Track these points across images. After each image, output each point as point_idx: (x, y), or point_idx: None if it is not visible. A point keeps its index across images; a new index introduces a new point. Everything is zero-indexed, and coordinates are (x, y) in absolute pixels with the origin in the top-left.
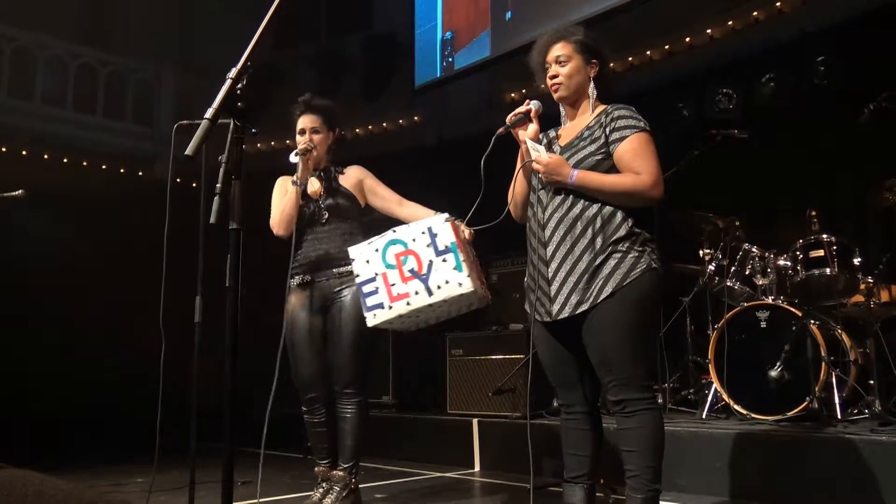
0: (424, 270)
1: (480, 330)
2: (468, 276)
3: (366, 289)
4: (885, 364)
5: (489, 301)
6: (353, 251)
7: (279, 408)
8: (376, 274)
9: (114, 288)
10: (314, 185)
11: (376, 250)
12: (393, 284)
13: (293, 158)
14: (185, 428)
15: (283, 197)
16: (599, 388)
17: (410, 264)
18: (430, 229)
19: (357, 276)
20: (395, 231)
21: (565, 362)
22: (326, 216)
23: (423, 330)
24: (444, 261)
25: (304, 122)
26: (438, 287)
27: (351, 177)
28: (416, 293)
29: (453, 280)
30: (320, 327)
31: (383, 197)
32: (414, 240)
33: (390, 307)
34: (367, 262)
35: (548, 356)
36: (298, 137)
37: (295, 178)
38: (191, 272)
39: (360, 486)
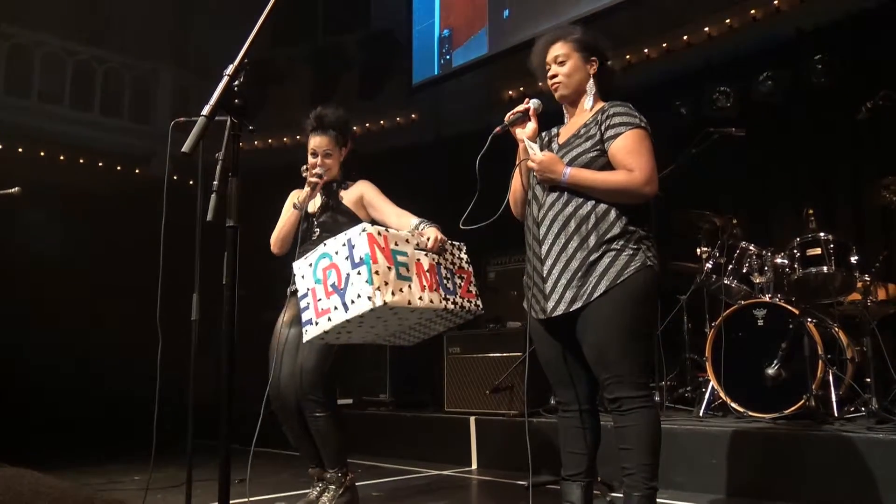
0: (343, 284)
1: (478, 328)
2: (377, 288)
3: (301, 304)
4: (882, 362)
5: (472, 312)
6: (295, 266)
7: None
8: (308, 289)
9: (111, 285)
10: (316, 203)
11: (310, 265)
12: (319, 300)
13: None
14: (182, 426)
15: (285, 215)
16: (597, 386)
17: (332, 278)
18: (349, 241)
19: (297, 291)
20: (325, 244)
21: (563, 360)
22: (317, 233)
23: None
24: (359, 273)
25: (316, 142)
26: (352, 301)
27: (354, 192)
28: (335, 308)
29: (364, 293)
30: (298, 338)
31: (380, 210)
32: (336, 252)
33: (316, 323)
34: (303, 277)
35: (545, 354)
36: (310, 158)
37: (297, 200)
38: (188, 270)
39: (356, 483)
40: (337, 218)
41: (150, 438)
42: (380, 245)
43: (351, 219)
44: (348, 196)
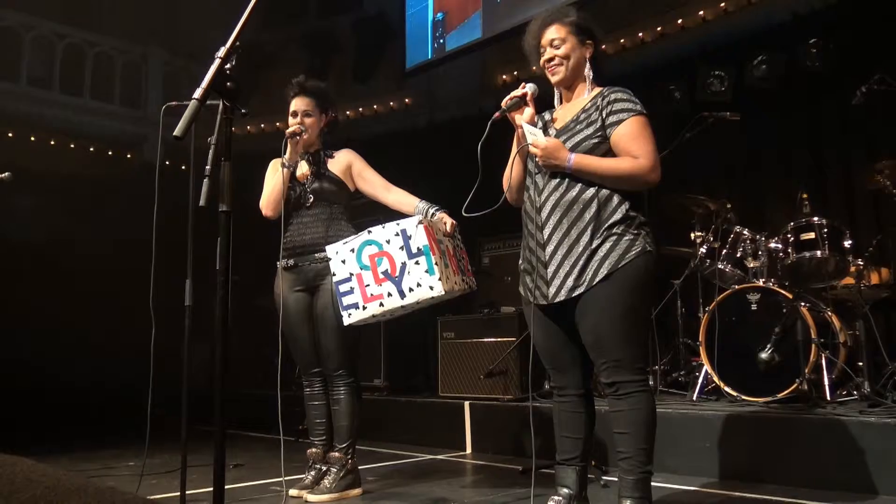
0: (398, 273)
1: (472, 313)
2: (439, 279)
3: (342, 288)
4: (875, 346)
5: (473, 289)
6: (330, 250)
7: (270, 390)
8: (351, 274)
9: (103, 271)
10: (302, 168)
11: (352, 250)
12: (367, 285)
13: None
14: (177, 411)
15: (273, 178)
16: (591, 371)
17: (384, 266)
18: (403, 231)
19: (333, 274)
20: (370, 232)
21: (560, 345)
22: (311, 200)
23: (414, 314)
24: (417, 263)
25: (297, 104)
26: (411, 290)
27: (340, 161)
28: (390, 294)
29: (425, 283)
30: (308, 309)
31: (370, 182)
32: (388, 241)
33: (364, 307)
34: (343, 261)
35: (543, 339)
36: (290, 119)
37: (284, 160)
38: (181, 255)
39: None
40: (326, 186)
41: (145, 424)
42: (433, 236)
43: (339, 186)
44: (335, 165)
